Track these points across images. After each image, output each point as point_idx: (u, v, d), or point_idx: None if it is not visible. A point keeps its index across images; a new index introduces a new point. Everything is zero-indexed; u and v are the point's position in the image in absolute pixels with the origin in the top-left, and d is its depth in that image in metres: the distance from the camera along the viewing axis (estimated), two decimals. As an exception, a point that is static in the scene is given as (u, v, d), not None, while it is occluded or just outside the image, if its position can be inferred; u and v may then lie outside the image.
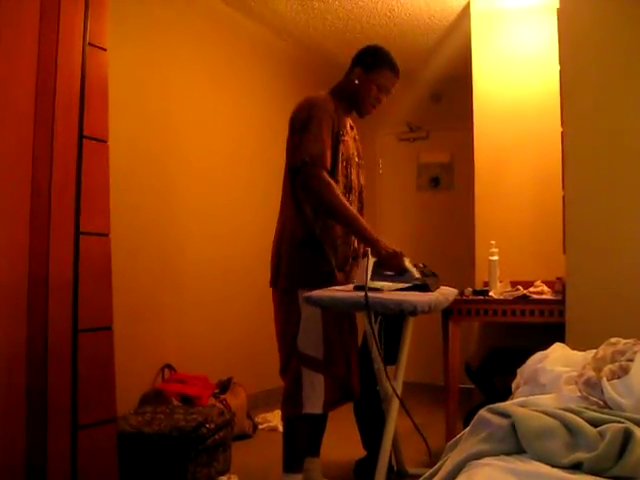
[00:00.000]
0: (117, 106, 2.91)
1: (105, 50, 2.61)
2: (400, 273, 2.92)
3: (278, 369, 3.08)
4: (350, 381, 3.09)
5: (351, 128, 3.24)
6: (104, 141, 2.60)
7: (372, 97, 3.15)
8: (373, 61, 3.15)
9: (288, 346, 3.01)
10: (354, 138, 3.25)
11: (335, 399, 3.01)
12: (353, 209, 2.98)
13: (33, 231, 2.30)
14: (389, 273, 2.93)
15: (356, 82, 3.13)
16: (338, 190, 2.91)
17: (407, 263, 2.94)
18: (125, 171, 3.78)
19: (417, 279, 2.91)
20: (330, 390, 2.97)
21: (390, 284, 2.85)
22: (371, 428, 3.31)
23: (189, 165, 4.63)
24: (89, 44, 2.52)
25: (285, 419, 3.07)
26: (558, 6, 3.49)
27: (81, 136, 2.49)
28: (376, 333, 2.96)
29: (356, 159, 3.21)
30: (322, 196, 2.89)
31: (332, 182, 2.90)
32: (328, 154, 2.93)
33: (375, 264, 2.83)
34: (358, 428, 3.48)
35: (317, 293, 2.78)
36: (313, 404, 2.94)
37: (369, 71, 3.13)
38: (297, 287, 2.96)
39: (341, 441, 3.74)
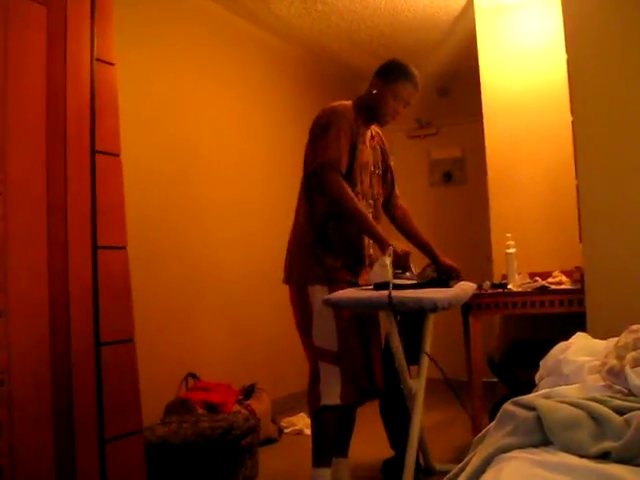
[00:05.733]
0: (128, 119, 2.93)
1: (113, 65, 2.63)
2: (404, 271, 2.98)
3: (300, 372, 3.12)
4: (372, 375, 3.10)
5: (372, 138, 3.30)
6: (116, 155, 2.61)
7: (389, 107, 3.22)
8: (391, 72, 3.22)
9: (307, 341, 3.09)
10: (374, 147, 3.31)
11: (354, 392, 3.02)
12: (365, 211, 3.05)
13: (51, 247, 2.32)
14: (397, 271, 2.98)
15: (374, 92, 3.21)
16: (351, 192, 2.99)
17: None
18: (139, 183, 3.80)
19: (415, 276, 2.97)
20: (347, 382, 3.00)
21: (405, 281, 2.89)
22: (398, 428, 3.31)
23: (202, 173, 4.65)
24: (97, 59, 2.54)
25: (311, 414, 3.12)
26: (562, -5, 3.48)
27: (93, 151, 2.50)
28: (397, 332, 2.97)
29: (371, 168, 3.26)
30: (336, 198, 2.98)
31: (345, 185, 2.98)
32: (344, 159, 3.02)
33: (392, 263, 2.87)
34: (385, 428, 3.48)
35: (335, 295, 2.83)
36: (330, 396, 2.98)
37: (387, 82, 3.20)
38: (307, 283, 3.05)
39: (369, 441, 3.74)
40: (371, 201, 3.25)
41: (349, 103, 3.21)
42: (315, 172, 3.01)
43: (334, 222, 3.07)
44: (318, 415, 3.04)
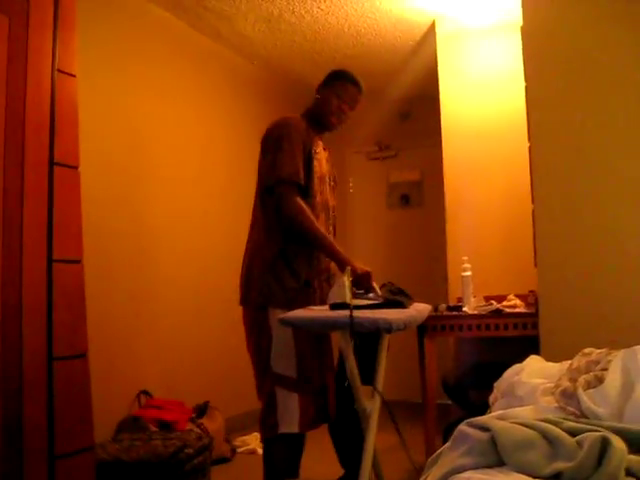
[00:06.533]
0: (87, 132, 2.90)
1: (74, 76, 2.60)
2: (367, 291, 2.96)
3: (254, 390, 3.07)
4: (326, 400, 3.07)
5: (324, 149, 3.28)
6: (75, 167, 2.58)
7: (334, 107, 3.23)
8: (331, 76, 3.31)
9: (261, 365, 3.01)
10: (327, 159, 3.29)
11: (312, 418, 2.98)
12: (324, 230, 3.02)
13: (5, 260, 2.28)
14: (359, 291, 2.96)
15: (317, 96, 3.26)
16: (310, 213, 2.96)
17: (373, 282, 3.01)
18: (96, 196, 3.76)
19: (380, 297, 2.95)
20: (305, 409, 2.95)
21: (363, 301, 2.88)
22: (348, 447, 3.29)
23: (160, 188, 4.62)
24: (58, 70, 2.51)
25: (263, 440, 3.06)
26: (522, 24, 3.55)
27: (52, 163, 2.47)
28: (352, 352, 2.96)
29: (327, 179, 3.24)
30: (294, 220, 2.94)
31: (304, 205, 2.95)
32: (302, 172, 2.99)
33: (351, 283, 2.86)
34: (334, 447, 3.46)
35: (293, 314, 2.78)
36: (288, 423, 2.92)
37: (328, 84, 3.27)
38: (268, 305, 2.98)
39: (319, 462, 3.72)
40: (331, 213, 3.24)
41: (297, 115, 3.22)
42: (272, 188, 2.98)
43: (294, 240, 3.01)
44: (272, 442, 2.99)
